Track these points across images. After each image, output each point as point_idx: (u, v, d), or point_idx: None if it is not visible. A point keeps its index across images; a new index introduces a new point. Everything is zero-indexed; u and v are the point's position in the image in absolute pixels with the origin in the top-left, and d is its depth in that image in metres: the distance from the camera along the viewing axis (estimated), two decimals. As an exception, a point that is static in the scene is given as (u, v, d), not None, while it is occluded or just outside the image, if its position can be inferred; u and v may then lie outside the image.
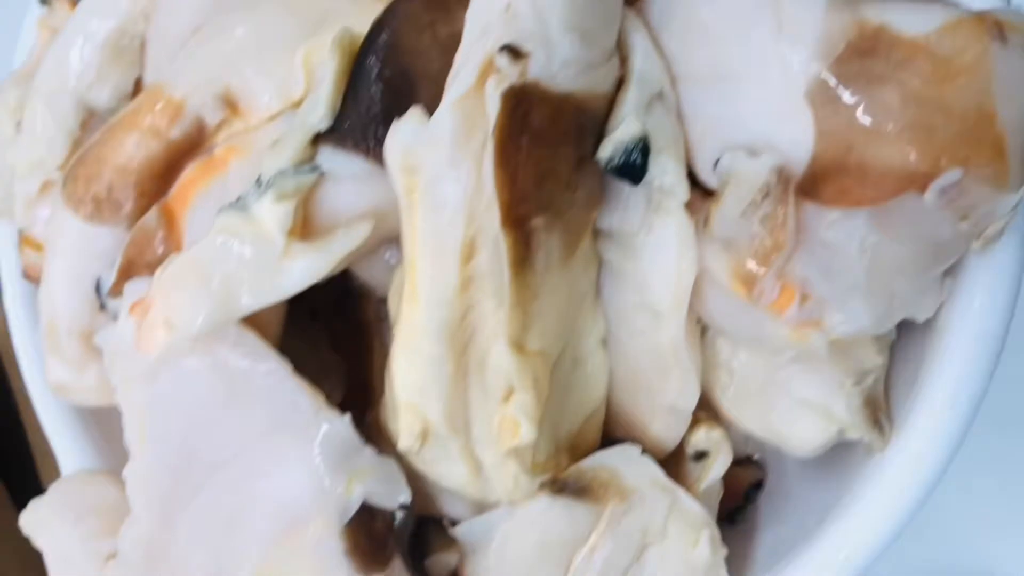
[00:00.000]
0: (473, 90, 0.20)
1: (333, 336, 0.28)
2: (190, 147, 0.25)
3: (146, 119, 0.25)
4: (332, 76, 0.22)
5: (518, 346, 0.21)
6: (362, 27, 0.25)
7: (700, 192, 0.23)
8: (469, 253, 0.21)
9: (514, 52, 0.20)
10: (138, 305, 0.23)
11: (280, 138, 0.22)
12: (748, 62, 0.21)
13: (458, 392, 0.22)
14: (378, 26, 0.22)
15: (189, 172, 0.25)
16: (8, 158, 0.31)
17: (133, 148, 0.25)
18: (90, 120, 0.28)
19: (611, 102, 0.22)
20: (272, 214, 0.22)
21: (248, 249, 0.22)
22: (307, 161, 0.22)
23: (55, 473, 0.42)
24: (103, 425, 0.31)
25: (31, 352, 0.31)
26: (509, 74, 0.20)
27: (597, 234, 0.24)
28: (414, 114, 0.21)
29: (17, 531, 0.35)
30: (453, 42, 0.22)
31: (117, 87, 0.28)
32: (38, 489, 0.45)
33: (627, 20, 0.22)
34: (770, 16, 0.21)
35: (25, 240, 0.30)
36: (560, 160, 0.21)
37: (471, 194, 0.21)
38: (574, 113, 0.21)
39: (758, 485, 0.29)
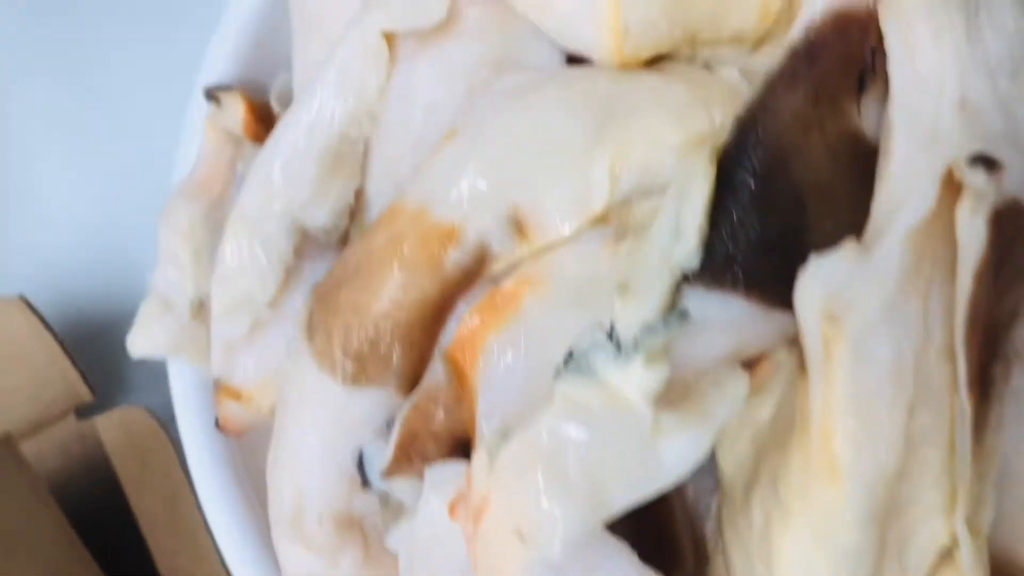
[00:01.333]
0: (933, 215, 0.15)
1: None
2: (465, 282, 0.20)
3: (412, 250, 0.20)
4: (703, 198, 0.17)
5: (974, 528, 0.17)
6: (669, 115, 0.20)
7: None
8: (908, 418, 0.16)
9: (988, 162, 0.15)
10: (460, 503, 0.18)
11: (628, 279, 0.17)
12: None
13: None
14: (748, 127, 0.17)
15: (471, 314, 0.20)
16: (185, 290, 0.26)
17: (400, 290, 0.20)
18: (304, 244, 0.24)
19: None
20: (641, 382, 0.17)
21: (611, 430, 0.17)
22: (671, 306, 0.17)
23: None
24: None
25: (232, 527, 0.25)
26: (986, 193, 0.15)
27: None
28: (848, 250, 0.16)
29: None
30: (844, 146, 0.17)
31: (337, 203, 0.23)
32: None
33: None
34: None
35: (223, 390, 0.25)
36: (1019, 291, 0.16)
37: (918, 346, 0.16)
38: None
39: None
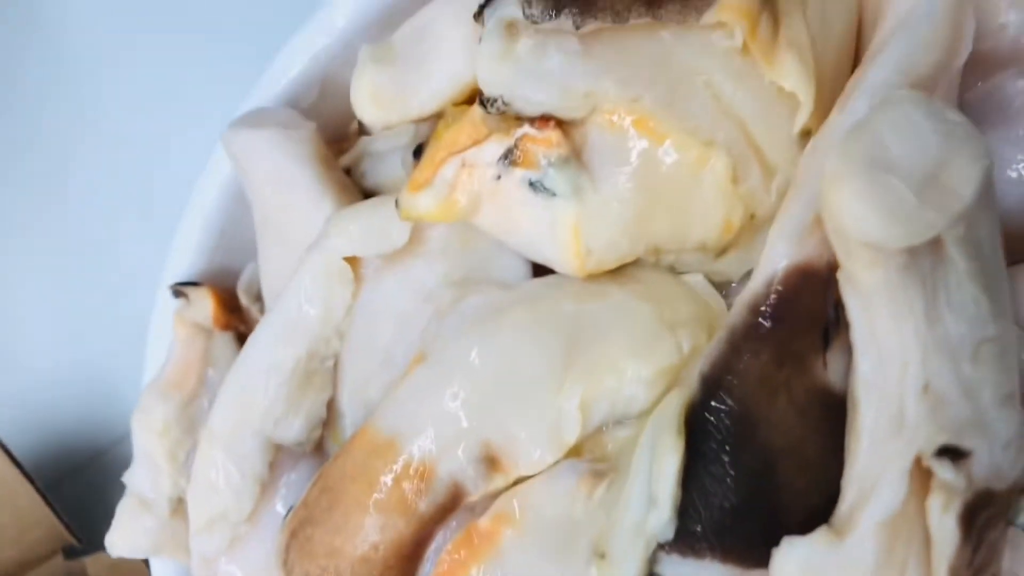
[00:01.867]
0: (904, 507, 0.15)
1: None
2: (442, 516, 0.20)
3: (387, 491, 0.20)
4: (674, 468, 0.17)
5: None
6: (632, 344, 0.20)
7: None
8: None
9: (955, 453, 0.15)
10: None
11: (606, 546, 0.18)
12: None
13: None
14: (715, 390, 0.17)
15: (449, 551, 0.20)
16: (162, 489, 0.26)
17: (374, 532, 0.20)
18: (278, 457, 0.23)
19: None
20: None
21: None
22: (647, 574, 0.17)
23: None
24: None
25: None
26: (956, 488, 0.15)
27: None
28: (820, 536, 0.16)
29: None
30: (812, 403, 0.17)
31: (309, 418, 0.23)
32: None
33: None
34: None
35: (206, 597, 0.24)
36: (995, 562, 0.16)
37: (895, 619, 0.16)
38: (1013, 500, 0.16)
39: None
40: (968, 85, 0.22)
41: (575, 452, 0.20)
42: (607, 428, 0.20)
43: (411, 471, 0.20)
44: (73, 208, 0.43)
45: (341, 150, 0.27)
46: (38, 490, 0.41)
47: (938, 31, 0.19)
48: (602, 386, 0.20)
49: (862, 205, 0.15)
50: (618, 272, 0.22)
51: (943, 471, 0.15)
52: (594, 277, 0.22)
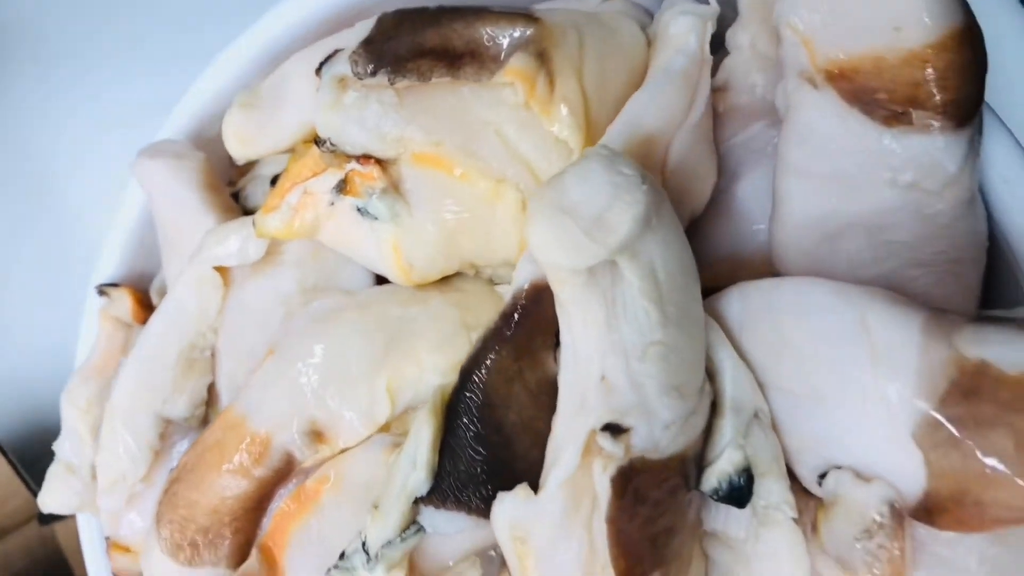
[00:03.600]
0: (579, 471, 0.20)
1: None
2: (280, 478, 0.25)
3: (233, 458, 0.25)
4: (428, 438, 0.22)
5: None
6: (435, 341, 0.25)
7: (801, 488, 0.23)
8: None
9: (616, 429, 0.20)
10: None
11: (380, 501, 0.22)
12: (842, 387, 0.21)
13: None
14: (466, 378, 0.22)
15: (282, 504, 0.25)
16: (85, 457, 0.31)
17: (223, 489, 0.25)
18: (168, 428, 0.28)
19: (708, 428, 0.22)
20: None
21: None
22: (410, 522, 0.22)
23: None
24: None
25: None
26: (614, 454, 0.20)
27: (703, 533, 0.23)
28: (520, 492, 0.21)
29: None
30: (543, 388, 0.22)
31: (192, 397, 0.28)
32: None
33: (710, 333, 0.22)
34: (862, 345, 0.20)
35: (113, 546, 0.30)
36: (669, 514, 0.21)
37: (585, 558, 0.20)
38: (678, 467, 0.21)
39: None
40: (734, 132, 0.27)
41: (385, 429, 0.25)
42: (412, 410, 0.25)
43: (254, 443, 0.25)
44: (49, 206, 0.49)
45: (243, 173, 0.32)
46: (12, 465, 0.46)
47: (672, 93, 0.24)
48: (406, 375, 0.25)
49: (542, 238, 0.19)
50: (444, 282, 0.27)
51: (604, 442, 0.19)
52: (423, 286, 0.26)
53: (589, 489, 0.20)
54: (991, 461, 0.19)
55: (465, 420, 0.22)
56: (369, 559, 0.22)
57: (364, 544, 0.22)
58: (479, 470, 0.22)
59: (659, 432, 0.20)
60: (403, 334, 0.25)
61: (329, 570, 0.22)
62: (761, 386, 0.22)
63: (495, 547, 0.25)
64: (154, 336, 0.28)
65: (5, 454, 0.46)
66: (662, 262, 0.20)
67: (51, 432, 0.50)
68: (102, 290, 0.31)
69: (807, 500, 0.23)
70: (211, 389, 0.29)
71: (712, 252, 0.26)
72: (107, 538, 0.30)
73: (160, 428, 0.28)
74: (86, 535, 0.32)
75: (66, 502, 0.31)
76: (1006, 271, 0.24)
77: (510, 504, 0.21)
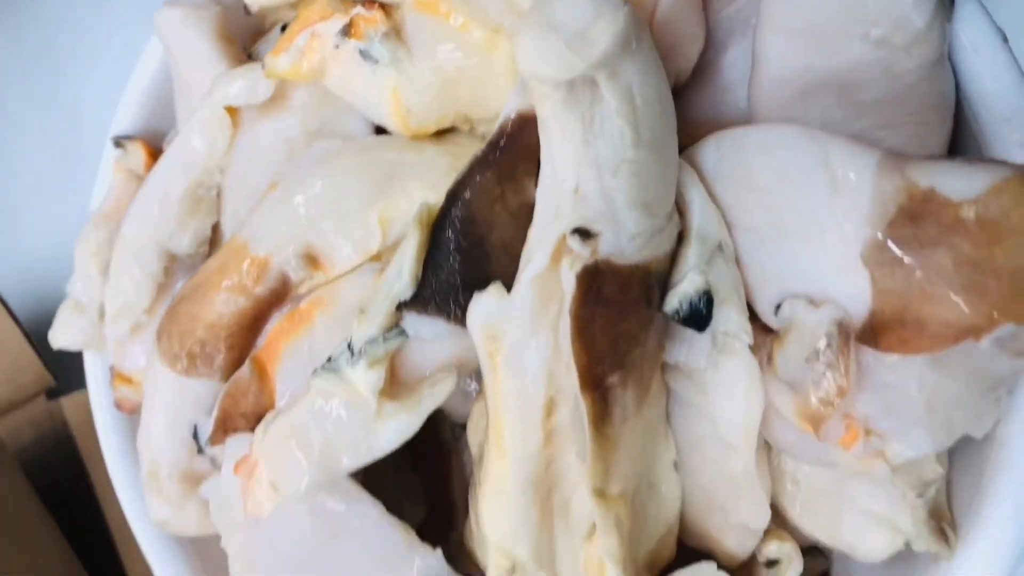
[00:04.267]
0: (548, 269, 0.21)
1: (412, 456, 0.30)
2: (276, 300, 0.27)
3: (233, 277, 0.27)
4: (413, 248, 0.23)
5: (600, 493, 0.23)
6: (427, 183, 0.26)
7: (760, 326, 0.24)
8: (551, 410, 0.23)
9: (585, 233, 0.21)
10: (242, 464, 0.24)
11: (366, 305, 0.24)
12: (803, 220, 0.22)
13: (544, 532, 0.24)
14: (453, 198, 0.23)
15: (276, 324, 0.27)
16: (94, 296, 0.33)
17: (222, 305, 0.27)
18: (172, 265, 0.30)
19: (674, 255, 0.23)
20: (365, 379, 0.23)
21: (344, 412, 0.23)
22: (393, 325, 0.24)
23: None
24: (199, 547, 0.33)
25: (125, 478, 0.32)
26: (582, 254, 0.21)
27: (665, 366, 0.25)
28: (494, 290, 0.22)
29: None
30: (523, 211, 0.23)
31: (196, 234, 0.30)
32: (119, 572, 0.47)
33: (683, 174, 0.24)
34: (823, 179, 0.22)
35: (117, 376, 0.31)
36: (631, 321, 0.22)
37: (550, 358, 0.22)
38: (642, 278, 0.22)
39: (824, 575, 0.31)
40: (724, 5, 0.28)
41: (377, 259, 0.27)
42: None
43: (253, 264, 0.27)
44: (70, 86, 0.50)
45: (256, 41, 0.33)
46: (29, 339, 0.48)
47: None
48: (398, 208, 0.26)
49: (527, 50, 0.21)
50: (438, 135, 0.28)
51: (573, 243, 0.21)
52: (419, 138, 0.28)
53: (557, 292, 0.22)
54: (931, 278, 0.20)
55: (449, 234, 0.23)
56: (353, 356, 0.23)
57: (349, 345, 0.24)
58: (459, 280, 0.23)
59: (625, 241, 0.22)
60: (397, 174, 0.27)
61: (316, 371, 0.24)
62: (728, 227, 0.24)
63: (471, 376, 0.27)
64: (164, 172, 0.29)
65: (22, 328, 0.47)
66: (640, 87, 0.22)
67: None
68: (118, 142, 0.33)
69: (764, 336, 0.24)
70: (215, 230, 0.30)
71: (694, 117, 0.27)
72: (111, 367, 0.31)
73: (165, 262, 0.30)
74: (91, 371, 0.34)
75: (73, 339, 0.33)
76: (971, 140, 0.26)
77: (484, 304, 0.22)
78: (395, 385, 0.24)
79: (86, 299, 0.33)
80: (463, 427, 0.30)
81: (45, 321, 0.51)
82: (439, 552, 0.25)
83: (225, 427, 0.26)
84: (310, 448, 0.23)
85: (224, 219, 0.30)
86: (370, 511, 0.25)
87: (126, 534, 0.47)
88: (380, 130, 0.29)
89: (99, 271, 0.33)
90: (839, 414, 0.22)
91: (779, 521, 0.28)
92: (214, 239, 0.30)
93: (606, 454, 0.23)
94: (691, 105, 0.28)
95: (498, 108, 0.27)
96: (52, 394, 0.50)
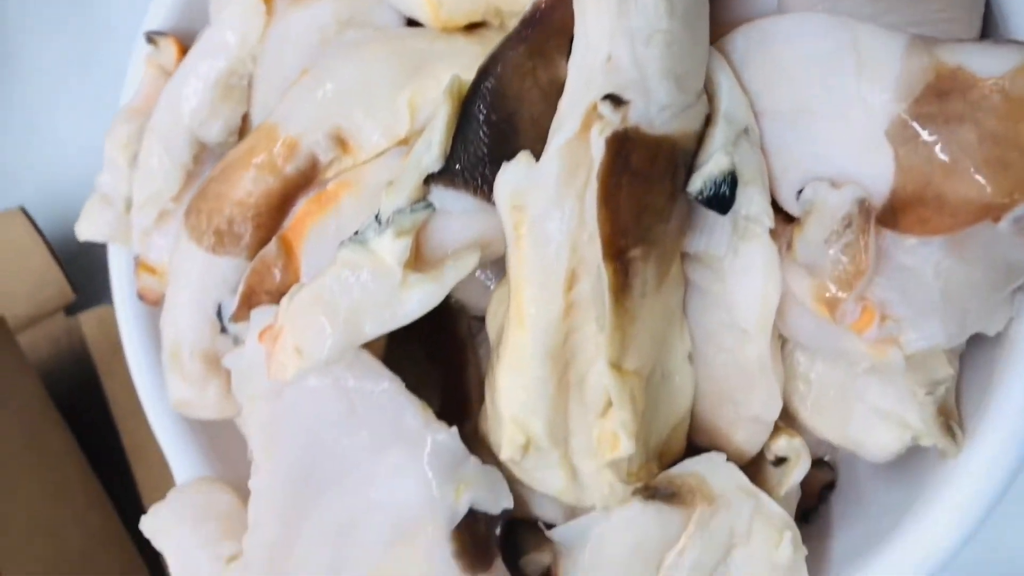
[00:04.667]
0: (578, 136, 0.22)
1: (429, 349, 0.30)
2: (303, 182, 0.27)
3: (263, 156, 0.27)
4: (443, 121, 0.24)
5: (617, 367, 0.23)
6: (457, 69, 0.27)
7: (782, 218, 0.25)
8: (572, 281, 0.23)
9: (616, 100, 0.21)
10: (266, 332, 0.25)
11: (395, 178, 0.24)
12: (829, 101, 0.22)
13: (559, 408, 0.24)
14: (484, 73, 0.24)
15: (303, 206, 0.27)
16: (121, 189, 0.33)
17: (251, 184, 0.27)
18: (202, 154, 0.31)
19: (700, 137, 0.24)
20: (391, 248, 0.24)
21: (370, 281, 0.24)
22: (420, 199, 0.24)
23: (149, 475, 0.45)
24: (213, 438, 0.34)
25: (145, 369, 0.33)
26: (612, 120, 0.21)
27: (684, 257, 0.25)
28: (523, 158, 0.23)
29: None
30: (553, 87, 0.24)
31: (227, 123, 0.30)
32: (131, 484, 0.47)
33: (712, 59, 0.24)
34: (850, 59, 0.22)
35: (141, 265, 0.32)
36: (656, 195, 0.23)
37: (574, 229, 0.22)
38: (669, 152, 0.22)
39: (830, 486, 0.31)
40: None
41: (404, 143, 0.27)
42: (430, 127, 0.27)
43: (283, 144, 0.27)
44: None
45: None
46: (53, 254, 0.49)
47: None
48: (427, 93, 0.27)
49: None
50: (469, 29, 0.29)
51: (604, 109, 0.21)
52: (449, 30, 0.28)
53: (585, 161, 0.22)
54: (954, 153, 0.21)
55: (479, 107, 0.24)
56: (380, 226, 0.24)
57: (377, 216, 0.24)
58: (487, 154, 0.24)
59: (655, 111, 0.22)
60: (427, 61, 0.27)
61: (343, 242, 0.24)
62: (756, 115, 0.24)
63: (490, 268, 0.28)
64: (197, 59, 0.30)
65: (47, 243, 0.48)
66: (673, -38, 0.22)
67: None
68: (150, 38, 0.33)
69: (784, 226, 0.25)
70: (244, 121, 0.31)
71: (725, 17, 0.28)
72: (136, 257, 0.32)
73: (194, 150, 0.30)
74: (115, 263, 0.34)
75: (99, 231, 0.34)
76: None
77: (511, 172, 0.23)
78: (419, 262, 0.25)
79: (113, 192, 0.33)
80: (480, 322, 0.30)
81: (68, 238, 0.52)
82: (454, 430, 0.25)
83: (250, 304, 0.27)
84: (335, 314, 0.24)
85: (254, 110, 0.30)
86: (389, 386, 0.25)
87: (138, 449, 0.48)
88: (411, 23, 0.29)
89: (127, 164, 0.33)
90: (855, 296, 0.23)
91: (789, 423, 0.28)
92: (243, 130, 0.31)
93: (624, 327, 0.23)
94: (722, 4, 0.28)
95: (526, 3, 0.27)
96: (70, 310, 0.50)
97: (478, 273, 0.29)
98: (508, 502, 0.26)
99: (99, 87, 0.51)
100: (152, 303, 0.33)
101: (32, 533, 0.42)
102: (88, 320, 0.49)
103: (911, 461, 0.28)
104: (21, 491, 0.42)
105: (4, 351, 0.43)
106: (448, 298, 0.30)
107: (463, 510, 0.25)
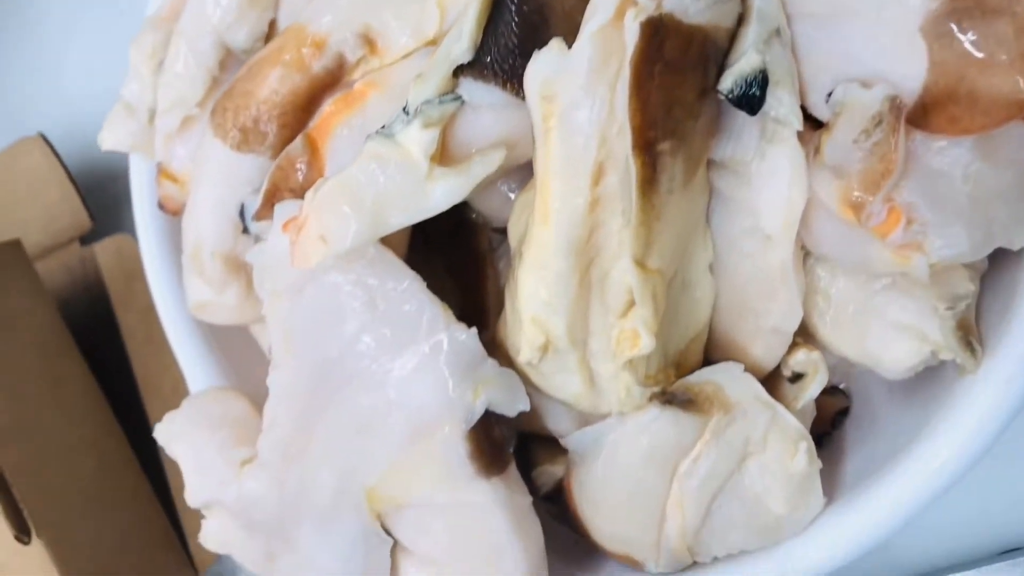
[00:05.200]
0: (611, 22, 0.22)
1: (448, 263, 0.30)
2: (331, 81, 0.27)
3: (291, 55, 0.27)
4: (475, 12, 0.24)
5: (640, 263, 0.23)
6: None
7: (810, 124, 0.25)
8: (599, 175, 0.23)
9: (650, -18, 0.21)
10: (291, 223, 0.25)
11: (424, 71, 0.24)
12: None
13: (580, 307, 0.24)
14: (516, -33, 0.24)
15: (330, 105, 0.27)
16: (145, 99, 0.33)
17: (278, 82, 0.27)
18: (228, 60, 0.31)
19: (732, 36, 0.23)
20: (418, 140, 0.24)
21: (396, 172, 0.24)
22: (449, 91, 0.24)
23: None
24: (228, 350, 0.34)
25: (163, 278, 0.33)
26: (646, 6, 0.21)
27: (710, 164, 0.25)
28: (555, 45, 0.22)
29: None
30: (584, -19, 0.24)
31: (253, 28, 0.30)
32: (142, 415, 0.48)
33: (745, -40, 0.24)
34: (887, -45, 0.22)
35: (163, 172, 0.32)
36: (687, 89, 0.23)
37: (604, 120, 0.22)
38: (702, 44, 0.22)
39: (844, 412, 0.31)
40: None
41: (432, 43, 0.27)
42: (458, 29, 0.27)
43: (311, 42, 0.27)
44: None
45: None
46: (74, 183, 0.49)
47: None
48: (458, -6, 0.27)
49: None
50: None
51: (640, -7, 0.21)
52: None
53: (618, 50, 0.22)
54: (989, 47, 0.21)
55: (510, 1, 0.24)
56: (408, 117, 0.24)
57: (404, 109, 0.24)
58: (518, 46, 0.24)
59: (689, 0, 0.22)
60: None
61: (369, 135, 0.24)
62: (788, 18, 0.24)
63: (511, 179, 0.27)
64: (225, -38, 0.30)
65: (67, 170, 0.48)
66: None
67: (112, 158, 0.52)
68: (177, -53, 0.33)
69: (812, 132, 0.24)
70: (271, 27, 0.31)
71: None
72: (158, 164, 0.32)
73: (220, 55, 0.30)
74: (136, 173, 0.34)
75: (122, 140, 0.34)
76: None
77: (543, 60, 0.23)
78: (445, 158, 0.25)
79: (137, 101, 0.33)
80: (501, 235, 0.30)
81: (85, 171, 0.52)
82: (474, 330, 0.25)
83: (273, 202, 0.27)
84: (360, 204, 0.24)
85: (281, 15, 0.30)
86: (411, 285, 0.25)
87: (150, 380, 0.48)
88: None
89: (152, 73, 0.33)
90: (882, 198, 0.23)
91: (807, 341, 0.28)
92: (270, 36, 0.31)
93: (649, 222, 0.23)
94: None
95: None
96: (85, 241, 0.51)
97: (500, 184, 0.29)
98: (524, 404, 0.26)
99: (117, 16, 0.51)
100: (172, 213, 0.33)
101: (44, 455, 0.42)
102: (104, 250, 0.49)
103: (926, 383, 0.28)
104: (34, 413, 0.42)
105: (20, 273, 0.43)
106: (469, 211, 0.30)
107: (480, 411, 0.25)
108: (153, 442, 0.48)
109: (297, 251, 0.24)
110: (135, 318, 0.48)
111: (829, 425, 0.31)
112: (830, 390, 0.32)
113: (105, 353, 0.48)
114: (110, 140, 0.34)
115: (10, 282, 0.43)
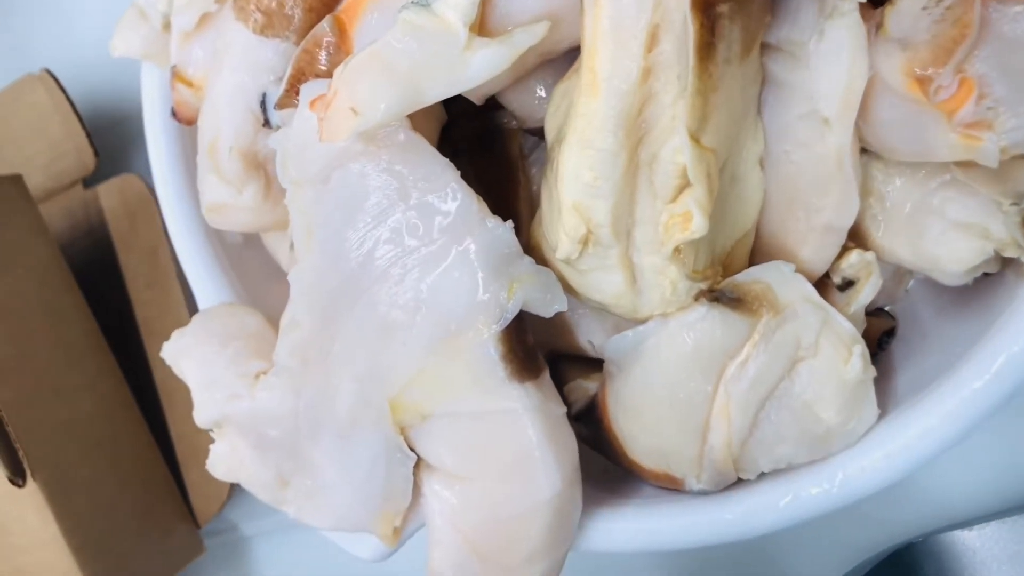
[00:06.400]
0: None
1: (479, 169, 0.29)
2: (357, -33, 0.26)
3: (317, -64, 0.26)
4: None
5: (695, 138, 0.22)
6: None
7: (869, 3, 0.23)
8: (652, 41, 0.21)
9: None
10: (318, 100, 0.23)
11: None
12: None
13: (626, 191, 0.23)
14: None
15: (358, -16, 0.26)
16: (158, 4, 0.32)
17: (304, -38, 0.26)
18: (248, -47, 0.29)
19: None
20: (456, 7, 0.22)
21: (432, 41, 0.22)
22: (489, -43, 0.23)
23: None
24: (238, 267, 0.32)
25: (172, 189, 0.32)
26: None
27: (764, 49, 0.24)
28: None
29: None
30: None
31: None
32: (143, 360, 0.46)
33: None
34: None
35: (178, 76, 0.30)
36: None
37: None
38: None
39: (890, 332, 0.30)
40: None
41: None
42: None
43: (339, -78, 0.26)
44: None
45: None
46: (76, 113, 0.47)
47: None
48: None
49: None
50: None
51: None
52: None
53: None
54: None
55: None
56: (446, -15, 0.22)
57: (442, -26, 0.23)
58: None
59: None
60: None
61: (404, 6, 0.23)
62: None
63: (548, 69, 0.26)
64: None
65: (73, 107, 0.46)
66: None
67: (122, 100, 0.51)
68: None
69: (872, 10, 0.23)
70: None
71: None
72: (173, 67, 0.30)
73: (241, -52, 0.29)
74: (147, 83, 0.33)
75: (133, 47, 0.32)
76: None
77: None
78: (484, 32, 0.23)
79: (150, 6, 0.32)
80: (535, 139, 0.29)
81: (91, 109, 0.51)
82: (510, 223, 0.24)
83: (297, 87, 0.25)
84: (394, 73, 0.22)
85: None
86: (444, 172, 0.24)
87: (151, 323, 0.47)
88: None
89: (165, -24, 0.32)
90: (953, 67, 0.21)
91: (859, 246, 0.27)
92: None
93: (706, 92, 0.22)
94: None
95: None
96: (88, 183, 0.49)
97: (535, 83, 0.27)
98: (562, 304, 0.24)
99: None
100: (186, 122, 0.31)
101: (43, 395, 0.40)
102: (107, 191, 0.48)
103: (981, 295, 0.27)
104: (34, 352, 0.40)
105: (21, 209, 0.42)
106: (500, 115, 0.29)
107: (514, 310, 0.24)
108: (156, 392, 0.47)
109: (326, 126, 0.23)
110: (138, 259, 0.47)
111: (875, 346, 0.29)
112: (875, 312, 0.30)
113: (108, 300, 0.47)
114: (121, 46, 0.32)
115: (10, 216, 0.41)
